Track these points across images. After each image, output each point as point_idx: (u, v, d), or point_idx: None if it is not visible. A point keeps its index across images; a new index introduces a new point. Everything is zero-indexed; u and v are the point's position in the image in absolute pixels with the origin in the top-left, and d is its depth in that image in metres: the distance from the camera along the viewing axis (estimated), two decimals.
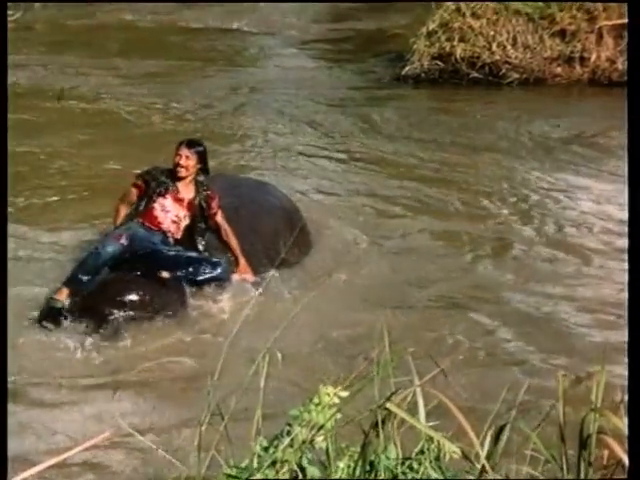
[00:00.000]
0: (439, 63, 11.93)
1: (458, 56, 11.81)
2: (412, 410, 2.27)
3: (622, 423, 2.09)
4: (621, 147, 8.65)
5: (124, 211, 6.04)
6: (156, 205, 5.95)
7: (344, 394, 2.22)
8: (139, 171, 6.17)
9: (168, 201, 5.97)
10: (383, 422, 2.17)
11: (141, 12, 16.67)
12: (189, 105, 10.91)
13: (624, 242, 6.17)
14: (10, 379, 4.45)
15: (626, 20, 11.32)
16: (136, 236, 5.85)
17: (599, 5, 11.90)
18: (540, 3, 12.00)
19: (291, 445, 2.22)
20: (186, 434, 4.25)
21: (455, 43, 11.83)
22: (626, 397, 2.21)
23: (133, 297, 5.60)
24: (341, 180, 8.43)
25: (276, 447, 2.23)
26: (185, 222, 6.02)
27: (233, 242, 6.08)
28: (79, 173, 8.47)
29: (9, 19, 13.42)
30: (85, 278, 5.69)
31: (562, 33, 11.97)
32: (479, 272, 6.53)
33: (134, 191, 6.02)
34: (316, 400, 2.25)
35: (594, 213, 7.66)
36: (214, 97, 11.24)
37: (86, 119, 10.27)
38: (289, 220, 6.61)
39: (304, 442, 2.21)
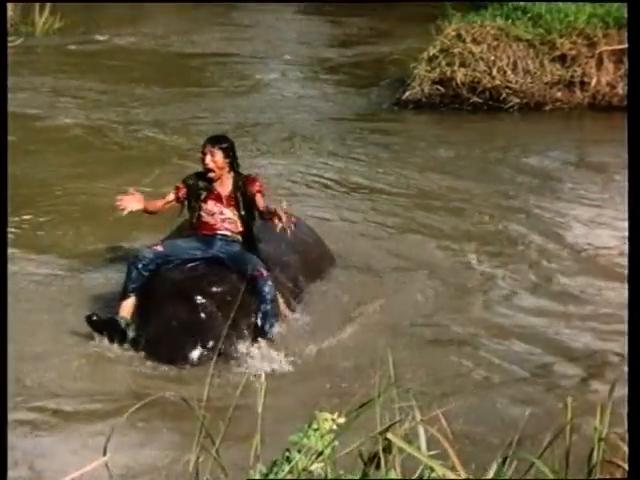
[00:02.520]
0: (440, 88, 11.94)
1: (459, 81, 11.83)
2: (412, 436, 2.23)
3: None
4: (621, 172, 8.63)
5: (159, 203, 6.09)
6: (202, 213, 6.01)
7: (342, 420, 2.18)
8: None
9: (210, 204, 6.00)
10: (384, 450, 2.13)
11: (142, 38, 16.74)
12: (187, 130, 10.90)
13: (625, 263, 6.14)
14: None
15: (626, 45, 11.35)
16: (174, 244, 5.99)
17: (599, 31, 11.94)
18: (540, 30, 12.04)
19: (290, 472, 2.19)
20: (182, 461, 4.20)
21: (456, 68, 11.85)
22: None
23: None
24: (340, 206, 8.39)
25: (276, 474, 2.20)
26: (235, 216, 6.00)
27: (271, 207, 5.89)
28: (73, 195, 8.45)
29: (10, 45, 13.49)
30: (134, 286, 5.81)
31: (562, 58, 11.99)
32: (483, 300, 6.49)
33: (172, 192, 6.09)
34: (315, 426, 2.21)
35: (594, 238, 7.63)
36: (213, 122, 11.23)
37: (82, 142, 10.28)
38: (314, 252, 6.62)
39: (304, 469, 2.18)
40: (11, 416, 4.55)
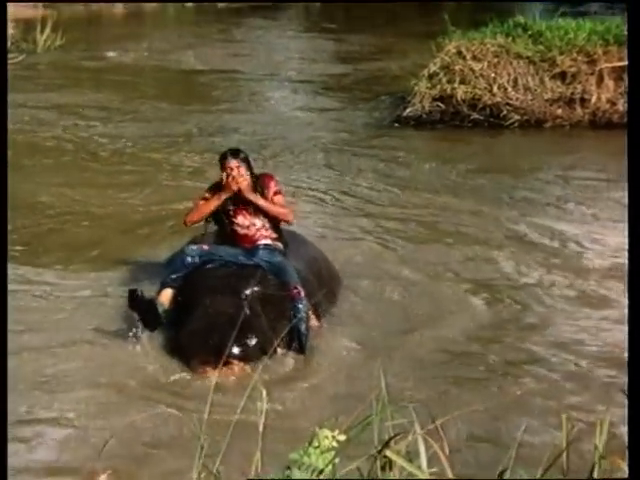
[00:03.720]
0: (440, 105, 11.98)
1: (459, 98, 11.86)
2: (412, 452, 2.22)
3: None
4: (621, 189, 8.63)
5: (204, 210, 6.05)
6: (236, 227, 6.05)
7: (342, 437, 2.18)
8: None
9: (240, 218, 6.04)
10: (383, 468, 2.13)
11: (143, 54, 16.82)
12: (187, 146, 10.93)
13: (625, 281, 6.14)
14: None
15: (626, 62, 11.39)
16: (219, 247, 6.01)
17: (599, 48, 11.98)
18: (540, 47, 12.08)
19: None
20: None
21: (456, 85, 11.89)
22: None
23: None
24: (340, 222, 8.38)
25: None
26: (266, 223, 6.05)
27: (277, 205, 6.01)
28: (72, 211, 8.46)
29: (11, 62, 13.55)
30: (174, 277, 5.85)
31: (563, 75, 12.03)
32: (486, 317, 6.48)
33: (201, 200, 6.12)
34: (315, 443, 2.21)
35: (594, 257, 7.62)
36: (212, 138, 11.26)
37: (81, 157, 10.31)
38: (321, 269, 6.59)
39: None
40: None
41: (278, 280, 5.84)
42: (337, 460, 2.18)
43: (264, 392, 2.51)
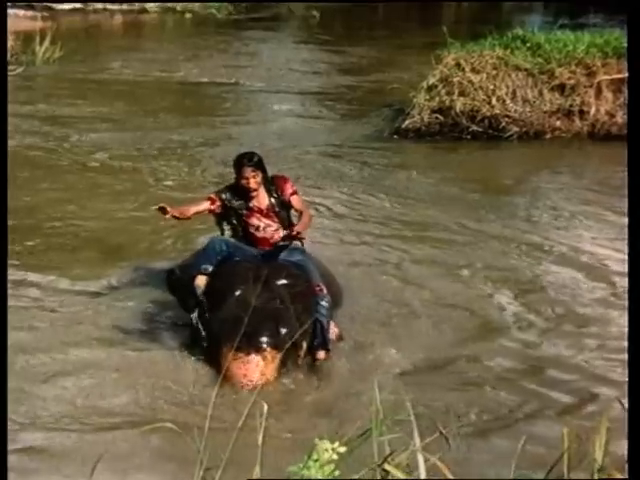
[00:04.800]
0: (439, 117, 11.98)
1: (458, 110, 11.86)
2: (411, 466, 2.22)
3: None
4: (620, 200, 8.63)
5: (192, 210, 6.09)
6: (252, 231, 6.09)
7: (342, 450, 2.17)
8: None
9: (254, 220, 6.07)
10: None
11: (142, 67, 16.83)
12: (185, 157, 10.93)
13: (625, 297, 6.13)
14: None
15: (625, 75, 11.42)
16: (243, 246, 6.04)
17: (598, 60, 11.99)
18: (539, 59, 12.10)
19: None
20: None
21: (455, 97, 11.89)
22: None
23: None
24: (339, 235, 8.36)
25: None
26: (281, 223, 6.09)
27: (305, 218, 6.04)
28: (72, 225, 8.46)
29: (10, 74, 13.57)
30: (206, 266, 5.87)
31: (561, 87, 12.04)
32: (484, 329, 6.47)
33: (206, 201, 6.13)
34: (315, 456, 2.20)
35: (594, 268, 7.61)
36: (211, 148, 11.26)
37: (77, 167, 10.31)
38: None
39: None
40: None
41: (302, 277, 5.91)
42: (337, 473, 2.17)
43: (265, 406, 2.50)
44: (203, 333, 5.68)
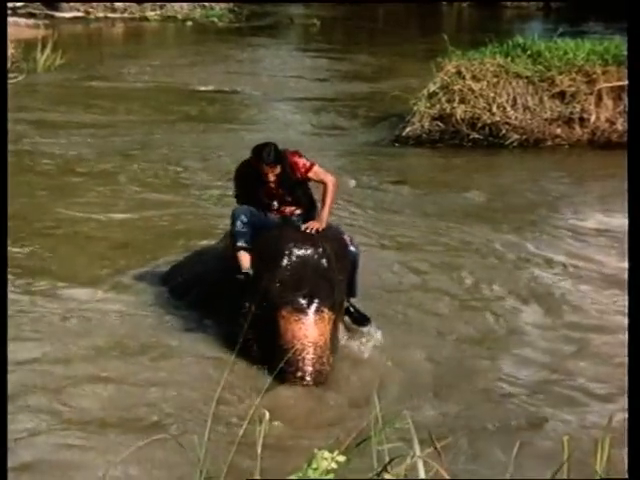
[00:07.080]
0: (440, 124, 11.99)
1: (458, 117, 11.87)
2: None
3: None
4: (621, 208, 8.62)
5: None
6: (268, 204, 6.09)
7: (341, 458, 2.17)
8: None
9: (271, 198, 6.06)
10: None
11: (143, 74, 16.85)
12: (186, 163, 10.94)
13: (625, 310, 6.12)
14: None
15: (625, 82, 11.42)
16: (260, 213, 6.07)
17: (598, 68, 12.00)
18: (539, 67, 12.11)
19: None
20: None
21: (455, 104, 11.90)
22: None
23: None
24: None
25: None
26: (295, 201, 6.11)
27: (328, 198, 6.03)
28: (68, 227, 8.47)
29: (11, 81, 13.58)
30: (243, 240, 5.88)
31: (562, 95, 12.05)
32: (485, 336, 6.47)
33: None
34: (314, 465, 2.19)
35: (595, 276, 7.61)
36: (212, 158, 11.25)
37: (79, 175, 10.32)
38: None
39: None
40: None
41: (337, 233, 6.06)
42: None
43: (267, 414, 2.50)
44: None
